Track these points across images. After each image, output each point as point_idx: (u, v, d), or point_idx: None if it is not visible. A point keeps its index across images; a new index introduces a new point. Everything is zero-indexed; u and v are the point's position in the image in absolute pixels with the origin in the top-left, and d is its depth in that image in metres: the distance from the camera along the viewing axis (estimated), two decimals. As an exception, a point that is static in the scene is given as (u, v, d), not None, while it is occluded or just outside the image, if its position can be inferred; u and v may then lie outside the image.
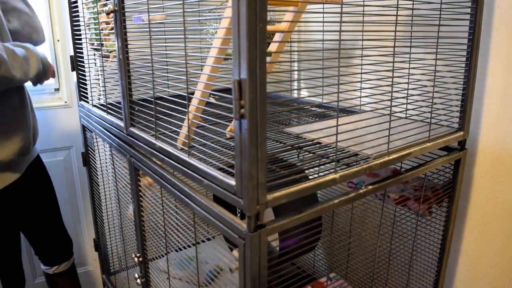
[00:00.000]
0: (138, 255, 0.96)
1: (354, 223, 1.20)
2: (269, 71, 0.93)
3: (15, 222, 1.23)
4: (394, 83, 0.69)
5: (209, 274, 1.22)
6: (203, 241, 1.48)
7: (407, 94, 0.76)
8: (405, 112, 0.86)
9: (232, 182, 0.54)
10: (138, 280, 0.98)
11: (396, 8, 0.66)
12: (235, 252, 1.09)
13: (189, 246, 0.79)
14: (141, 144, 0.82)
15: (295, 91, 1.39)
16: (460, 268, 1.03)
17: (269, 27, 0.78)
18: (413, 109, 0.81)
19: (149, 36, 0.71)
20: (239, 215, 0.55)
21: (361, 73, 0.70)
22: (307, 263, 1.34)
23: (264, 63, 0.48)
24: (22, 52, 1.01)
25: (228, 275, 1.24)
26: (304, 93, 1.36)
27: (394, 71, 0.70)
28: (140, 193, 0.91)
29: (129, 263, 1.37)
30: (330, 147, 0.77)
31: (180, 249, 0.83)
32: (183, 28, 0.61)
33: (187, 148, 0.67)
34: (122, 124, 0.89)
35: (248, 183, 0.50)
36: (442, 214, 0.93)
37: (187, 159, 0.65)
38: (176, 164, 0.69)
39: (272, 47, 0.82)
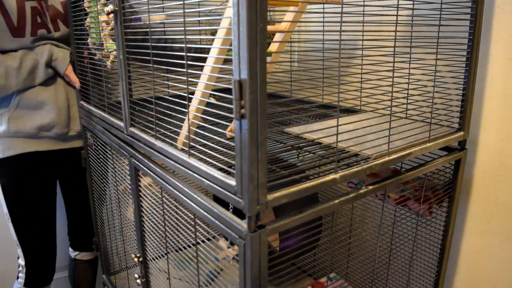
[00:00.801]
0: (138, 255, 0.96)
1: (354, 223, 1.20)
2: (269, 71, 0.93)
3: (59, 182, 1.35)
4: (394, 83, 0.69)
5: (209, 274, 1.22)
6: (203, 241, 1.47)
7: (407, 94, 0.76)
8: (405, 112, 0.86)
9: (232, 182, 0.54)
10: (138, 280, 0.98)
11: (396, 8, 0.66)
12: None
13: (189, 246, 0.79)
14: (141, 144, 0.82)
15: (295, 91, 1.39)
16: (460, 268, 1.03)
17: (269, 27, 0.78)
18: (413, 109, 0.81)
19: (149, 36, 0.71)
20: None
21: (361, 73, 0.70)
22: (307, 263, 1.34)
23: (264, 63, 0.48)
24: (30, 63, 1.10)
25: (228, 275, 1.24)
26: (304, 93, 1.36)
27: (394, 71, 0.70)
28: (140, 193, 0.91)
29: (129, 263, 1.37)
30: (330, 147, 0.77)
31: (180, 249, 0.83)
32: (183, 28, 0.61)
33: (187, 148, 0.67)
34: (122, 124, 0.89)
35: (248, 184, 0.50)
36: (442, 214, 0.93)
37: (187, 159, 0.65)
38: (176, 164, 0.69)
39: (272, 47, 0.82)
